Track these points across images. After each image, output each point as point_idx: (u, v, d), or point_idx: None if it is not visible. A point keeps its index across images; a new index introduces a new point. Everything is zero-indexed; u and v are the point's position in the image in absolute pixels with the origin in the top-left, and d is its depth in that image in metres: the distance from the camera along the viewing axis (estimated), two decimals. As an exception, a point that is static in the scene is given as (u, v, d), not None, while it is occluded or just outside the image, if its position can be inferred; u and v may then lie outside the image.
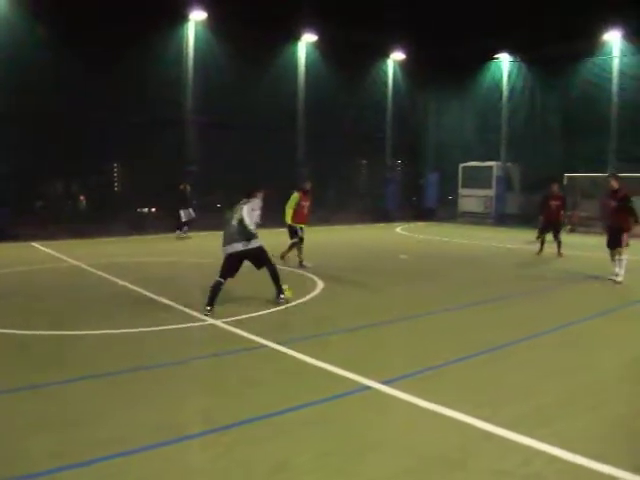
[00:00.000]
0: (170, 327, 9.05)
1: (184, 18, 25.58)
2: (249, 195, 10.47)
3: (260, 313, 10.03)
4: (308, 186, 15.92)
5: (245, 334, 8.67)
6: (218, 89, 25.25)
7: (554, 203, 18.64)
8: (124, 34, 21.74)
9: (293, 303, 10.79)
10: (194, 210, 23.29)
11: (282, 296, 10.80)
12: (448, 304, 11.14)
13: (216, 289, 10.01)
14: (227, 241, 10.25)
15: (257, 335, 8.54)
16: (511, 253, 19.53)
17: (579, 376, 7.18)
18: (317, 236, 21.59)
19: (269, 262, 10.70)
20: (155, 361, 7.50)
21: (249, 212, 10.14)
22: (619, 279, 13.55)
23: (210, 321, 9.40)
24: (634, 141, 27.23)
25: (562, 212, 19.06)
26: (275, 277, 10.76)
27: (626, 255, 13.64)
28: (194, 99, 25.93)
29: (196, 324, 9.33)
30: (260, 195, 10.63)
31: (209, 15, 25.57)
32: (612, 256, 13.79)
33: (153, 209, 26.36)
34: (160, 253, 18.42)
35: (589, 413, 6.02)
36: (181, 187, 23.02)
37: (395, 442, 5.27)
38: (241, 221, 10.06)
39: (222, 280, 10.12)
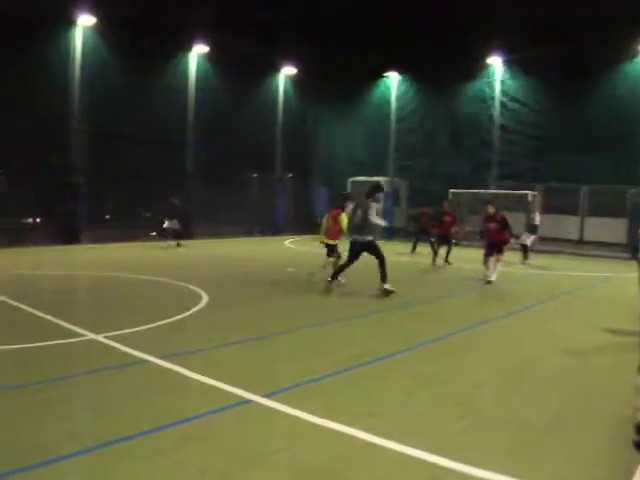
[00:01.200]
0: (49, 343, 8.71)
1: (71, 23, 24.88)
2: (369, 196, 13.25)
3: (143, 328, 9.79)
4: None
5: (127, 349, 8.46)
6: (105, 98, 24.65)
7: (447, 219, 20.67)
8: (10, 39, 21.12)
9: (178, 317, 10.68)
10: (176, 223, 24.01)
11: (386, 286, 13.11)
12: (333, 316, 11.30)
13: (342, 268, 13.58)
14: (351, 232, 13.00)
15: (139, 350, 8.35)
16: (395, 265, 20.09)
17: (455, 384, 7.40)
18: (205, 249, 21.59)
19: (379, 254, 13.29)
20: (31, 379, 7.20)
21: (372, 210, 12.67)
22: (493, 278, 16.01)
23: (91, 336, 9.15)
24: (515, 159, 28.48)
25: (453, 227, 20.99)
26: (383, 267, 13.25)
27: (500, 263, 16.38)
28: (81, 108, 25.23)
29: (76, 340, 9.04)
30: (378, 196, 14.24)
31: (98, 21, 24.96)
32: (487, 262, 16.36)
33: (37, 219, 25.54)
34: (46, 265, 17.83)
35: (463, 420, 6.22)
36: (172, 200, 23.92)
37: (275, 456, 5.25)
38: (364, 216, 12.56)
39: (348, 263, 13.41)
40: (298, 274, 17.17)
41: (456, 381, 7.58)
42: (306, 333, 10.04)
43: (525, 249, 21.44)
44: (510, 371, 8.14)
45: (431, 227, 21.62)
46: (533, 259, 21.53)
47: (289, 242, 26.55)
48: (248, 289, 14.48)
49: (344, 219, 14.67)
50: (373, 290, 13.61)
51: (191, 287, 13.89)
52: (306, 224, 33.69)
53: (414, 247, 23.50)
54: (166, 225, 23.97)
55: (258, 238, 28.98)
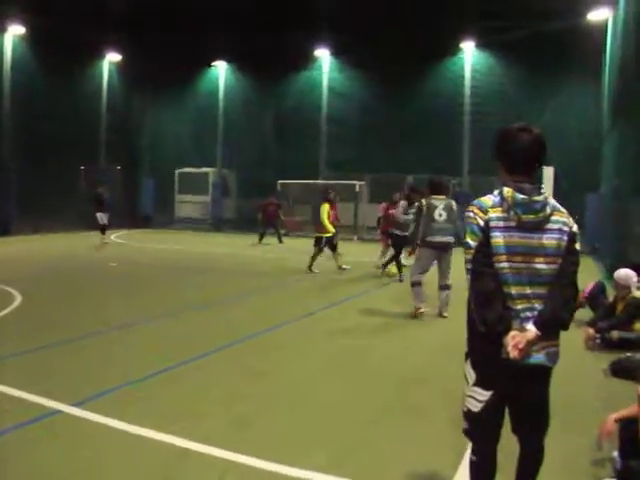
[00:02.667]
0: None
1: None
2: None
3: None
4: (332, 195, 16.52)
5: None
6: None
7: (271, 208, 22.61)
8: None
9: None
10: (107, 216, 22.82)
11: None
12: (151, 313, 10.70)
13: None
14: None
15: None
16: (227, 257, 19.85)
17: (278, 380, 7.16)
18: (24, 246, 20.14)
19: None
20: None
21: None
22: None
23: None
24: (340, 150, 28.82)
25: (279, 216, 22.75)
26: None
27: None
28: None
29: None
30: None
31: None
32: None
33: None
34: None
35: (286, 416, 5.97)
36: (99, 190, 22.54)
37: (90, 473, 4.74)
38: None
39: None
40: (121, 269, 16.42)
41: (283, 374, 7.30)
42: (128, 332, 9.37)
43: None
44: (333, 365, 7.95)
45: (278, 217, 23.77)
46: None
47: (115, 236, 25.41)
48: (65, 287, 13.55)
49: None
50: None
51: (3, 287, 12.72)
52: (132, 217, 32.48)
53: (261, 238, 24.10)
54: (100, 220, 22.85)
55: (83, 233, 27.45)
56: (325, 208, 15.90)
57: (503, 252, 3.46)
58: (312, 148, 30.58)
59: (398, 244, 14.95)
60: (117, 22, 27.65)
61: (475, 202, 3.60)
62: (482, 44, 27.12)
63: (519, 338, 3.40)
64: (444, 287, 10.87)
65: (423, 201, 11.12)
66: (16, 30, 27.09)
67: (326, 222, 15.77)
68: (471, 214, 3.56)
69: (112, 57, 32.50)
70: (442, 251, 10.74)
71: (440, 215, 10.68)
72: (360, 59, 27.86)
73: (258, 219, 24.28)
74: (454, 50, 27.80)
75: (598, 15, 23.08)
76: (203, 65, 33.12)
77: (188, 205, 33.46)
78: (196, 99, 33.65)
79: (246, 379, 7.11)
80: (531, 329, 3.44)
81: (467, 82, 27.59)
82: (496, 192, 3.57)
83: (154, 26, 28.19)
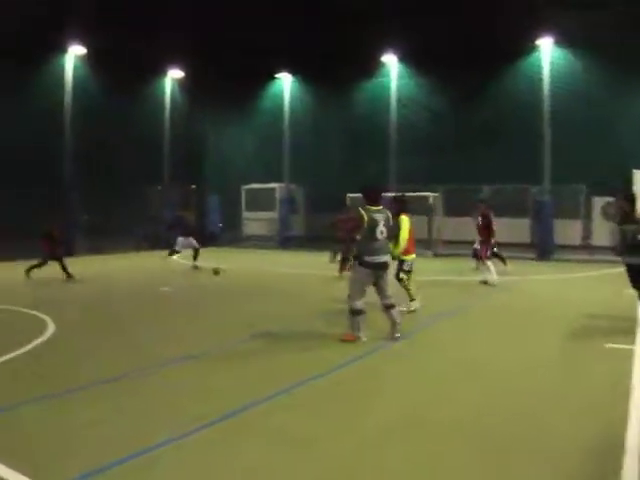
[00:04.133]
0: None
1: None
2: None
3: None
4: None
5: None
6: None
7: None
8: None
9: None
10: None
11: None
12: (199, 348, 9.35)
13: None
14: None
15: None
16: (297, 279, 18.68)
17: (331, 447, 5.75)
18: (81, 267, 19.25)
19: None
20: None
21: None
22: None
23: None
24: (411, 160, 27.43)
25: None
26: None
27: None
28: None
29: None
30: None
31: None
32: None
33: None
34: None
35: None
36: (179, 214, 21.48)
37: None
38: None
39: None
40: (174, 294, 15.37)
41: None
42: (165, 374, 8.10)
43: None
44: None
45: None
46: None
47: (178, 256, 24.48)
48: (108, 314, 12.45)
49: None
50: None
51: (39, 315, 11.67)
52: (198, 235, 31.63)
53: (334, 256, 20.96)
54: (179, 246, 21.24)
55: (146, 253, 26.72)
56: (405, 222, 11.60)
57: None
58: (382, 159, 29.21)
59: None
60: (179, 38, 26.86)
61: None
62: (561, 40, 25.19)
63: None
64: (389, 306, 9.70)
65: (362, 212, 9.48)
66: (77, 50, 26.65)
67: (406, 241, 11.61)
68: None
69: (174, 74, 31.80)
70: (382, 271, 9.56)
71: (382, 233, 9.48)
72: (430, 63, 26.40)
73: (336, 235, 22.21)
74: (530, 48, 25.89)
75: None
76: (267, 77, 32.22)
77: (255, 222, 32.61)
78: (261, 113, 32.77)
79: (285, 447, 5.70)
80: None
81: (546, 83, 25.63)
82: None
83: (216, 40, 27.43)
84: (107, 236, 27.05)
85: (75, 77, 27.04)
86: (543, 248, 24.62)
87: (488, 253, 16.43)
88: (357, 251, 9.55)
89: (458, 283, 17.49)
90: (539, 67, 25.81)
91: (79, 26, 24.71)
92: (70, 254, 24.37)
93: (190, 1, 26.81)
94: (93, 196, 25.05)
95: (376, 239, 9.38)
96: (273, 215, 31.69)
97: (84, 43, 26.56)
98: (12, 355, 8.63)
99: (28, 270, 17.46)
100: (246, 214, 32.81)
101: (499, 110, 25.20)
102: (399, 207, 11.84)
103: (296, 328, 10.94)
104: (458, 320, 11.91)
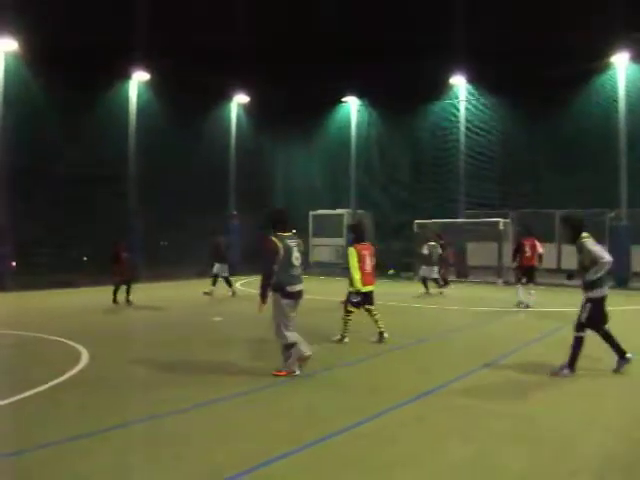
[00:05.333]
0: None
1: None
2: None
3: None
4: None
5: None
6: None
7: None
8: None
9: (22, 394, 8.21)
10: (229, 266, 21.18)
11: None
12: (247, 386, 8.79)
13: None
14: None
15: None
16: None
17: None
18: (137, 294, 18.99)
19: None
20: None
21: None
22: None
23: None
24: (480, 185, 26.62)
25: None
26: None
27: None
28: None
29: None
30: None
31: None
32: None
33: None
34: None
35: None
36: (219, 240, 21.11)
37: None
38: None
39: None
40: (225, 324, 14.90)
41: None
42: (203, 413, 7.56)
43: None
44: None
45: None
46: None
47: (240, 284, 24.16)
48: (150, 345, 11.96)
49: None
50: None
51: (70, 343, 11.31)
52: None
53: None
54: (216, 270, 20.93)
55: (208, 280, 26.47)
56: (352, 254, 11.76)
57: None
58: (450, 184, 28.41)
59: None
60: (243, 62, 26.74)
61: None
62: (638, 55, 23.96)
63: None
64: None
65: (276, 241, 8.95)
66: (141, 76, 26.76)
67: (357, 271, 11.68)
68: None
69: (240, 99, 31.74)
70: (299, 300, 9.21)
71: (297, 259, 9.09)
72: (499, 84, 25.60)
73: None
74: (605, 66, 24.70)
75: None
76: (333, 101, 31.90)
77: (323, 248, 32.13)
78: (327, 137, 32.39)
79: None
80: None
81: (621, 101, 24.37)
82: None
83: (281, 64, 27.23)
84: (170, 263, 27.11)
85: (139, 103, 27.16)
86: (619, 275, 23.32)
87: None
88: (276, 281, 8.98)
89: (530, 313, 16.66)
90: (615, 85, 24.64)
91: (143, 51, 24.85)
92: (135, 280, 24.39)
93: (255, 26, 26.68)
94: (156, 223, 25.04)
95: (294, 267, 9.01)
96: (340, 241, 31.18)
97: (148, 69, 26.69)
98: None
99: (114, 299, 17.88)
100: (313, 240, 32.39)
101: (572, 131, 24.16)
102: (353, 237, 12.23)
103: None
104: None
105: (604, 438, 6.67)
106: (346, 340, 11.91)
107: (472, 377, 9.32)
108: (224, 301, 20.01)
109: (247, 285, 24.14)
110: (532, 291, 17.40)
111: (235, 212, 30.94)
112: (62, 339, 11.79)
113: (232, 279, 21.34)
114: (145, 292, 20.69)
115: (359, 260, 11.62)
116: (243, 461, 5.87)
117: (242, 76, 28.92)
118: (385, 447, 6.33)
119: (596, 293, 9.02)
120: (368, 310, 12.03)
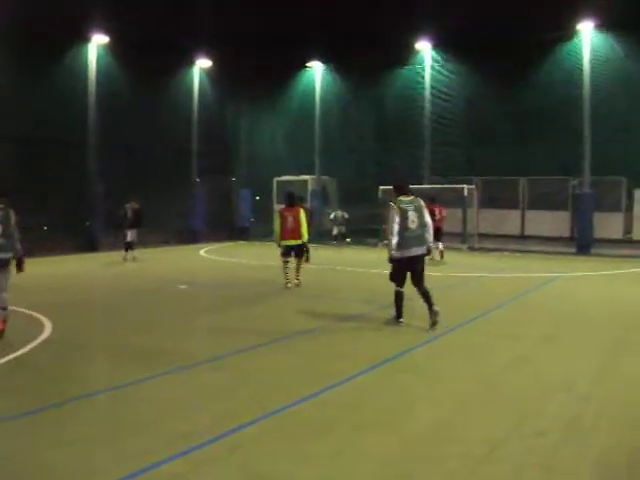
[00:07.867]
0: None
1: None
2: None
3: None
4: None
5: None
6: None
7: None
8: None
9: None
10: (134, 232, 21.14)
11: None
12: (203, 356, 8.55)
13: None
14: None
15: None
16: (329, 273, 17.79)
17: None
18: (102, 261, 18.73)
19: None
20: None
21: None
22: None
23: None
24: (446, 151, 26.59)
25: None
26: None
27: None
28: None
29: None
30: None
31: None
32: None
33: None
34: None
35: None
36: (134, 206, 21.15)
37: None
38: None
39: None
40: (191, 291, 14.72)
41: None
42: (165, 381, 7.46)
43: None
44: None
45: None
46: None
47: (204, 251, 23.93)
48: (108, 317, 11.54)
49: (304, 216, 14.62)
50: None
51: (34, 314, 11.02)
52: (229, 229, 31.24)
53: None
54: (130, 238, 20.86)
55: (172, 247, 26.15)
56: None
57: None
58: (415, 150, 28.30)
59: None
60: (206, 26, 26.14)
61: None
62: (603, 24, 23.91)
63: None
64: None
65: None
66: (100, 39, 25.88)
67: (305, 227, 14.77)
68: None
69: (202, 63, 31.08)
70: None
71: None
72: (465, 51, 25.40)
73: None
74: (570, 34, 24.63)
75: None
76: (298, 67, 31.42)
77: (286, 215, 31.86)
78: (291, 103, 31.97)
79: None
80: None
81: (586, 69, 24.32)
82: None
83: (245, 29, 26.69)
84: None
85: (99, 68, 26.42)
86: (582, 242, 23.56)
87: None
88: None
89: (490, 280, 16.72)
90: (579, 54, 24.62)
91: (103, 13, 24.14)
92: (95, 249, 24.01)
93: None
94: (118, 189, 24.47)
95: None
96: (305, 207, 30.92)
97: (107, 31, 25.92)
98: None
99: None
100: (278, 206, 32.09)
101: (537, 100, 24.14)
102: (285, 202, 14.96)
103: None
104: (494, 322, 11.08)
105: (567, 399, 6.73)
106: (289, 285, 14.39)
107: (436, 342, 9.35)
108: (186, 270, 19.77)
109: (210, 252, 23.92)
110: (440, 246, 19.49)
111: (198, 179, 30.48)
112: (26, 310, 11.49)
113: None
114: (106, 259, 20.44)
115: (282, 221, 14.36)
116: (212, 428, 5.80)
117: (205, 40, 28.28)
118: (353, 412, 6.30)
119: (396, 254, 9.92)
120: (297, 262, 14.67)
